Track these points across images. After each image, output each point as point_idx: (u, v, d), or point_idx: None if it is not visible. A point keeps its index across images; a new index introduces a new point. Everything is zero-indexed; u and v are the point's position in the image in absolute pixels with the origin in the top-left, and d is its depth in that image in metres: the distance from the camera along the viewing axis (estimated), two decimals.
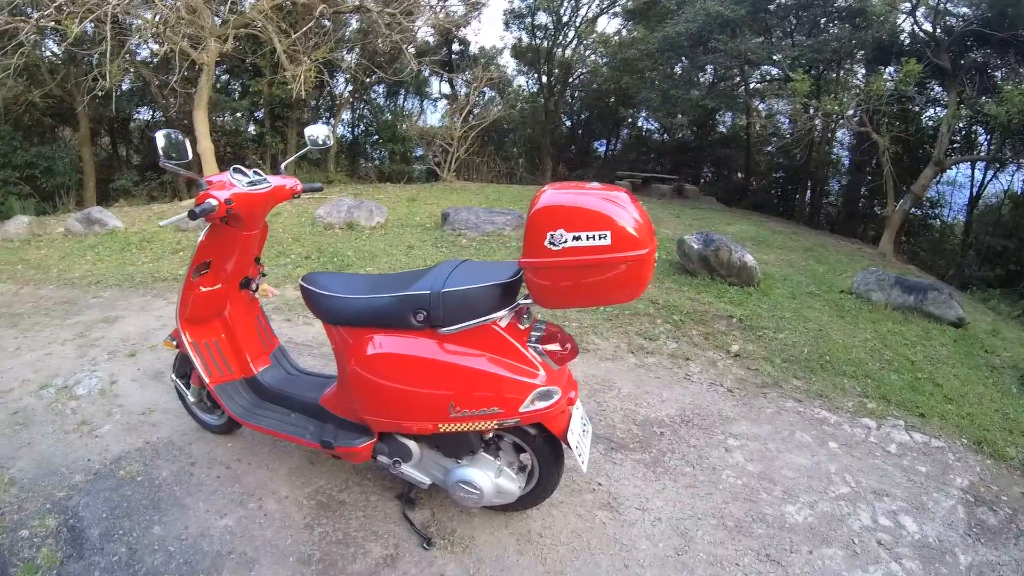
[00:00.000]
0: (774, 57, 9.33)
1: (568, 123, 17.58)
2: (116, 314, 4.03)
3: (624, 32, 14.96)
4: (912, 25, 8.84)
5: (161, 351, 3.42)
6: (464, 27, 11.41)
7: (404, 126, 13.35)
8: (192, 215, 1.88)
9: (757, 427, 3.01)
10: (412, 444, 1.97)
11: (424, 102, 15.38)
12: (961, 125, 9.45)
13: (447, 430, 1.80)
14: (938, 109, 9.91)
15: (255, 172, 2.18)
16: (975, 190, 11.35)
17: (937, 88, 9.03)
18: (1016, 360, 4.39)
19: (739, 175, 16.14)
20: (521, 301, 1.75)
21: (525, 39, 15.66)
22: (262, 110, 12.02)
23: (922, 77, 7.22)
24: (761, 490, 2.49)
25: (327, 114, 13.32)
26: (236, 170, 2.13)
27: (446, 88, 15.38)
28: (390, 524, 2.13)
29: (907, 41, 8.97)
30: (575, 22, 15.24)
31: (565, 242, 1.48)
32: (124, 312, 4.09)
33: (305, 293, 2.04)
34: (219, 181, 2.04)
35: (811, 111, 8.85)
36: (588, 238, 1.46)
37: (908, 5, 8.26)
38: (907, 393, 3.53)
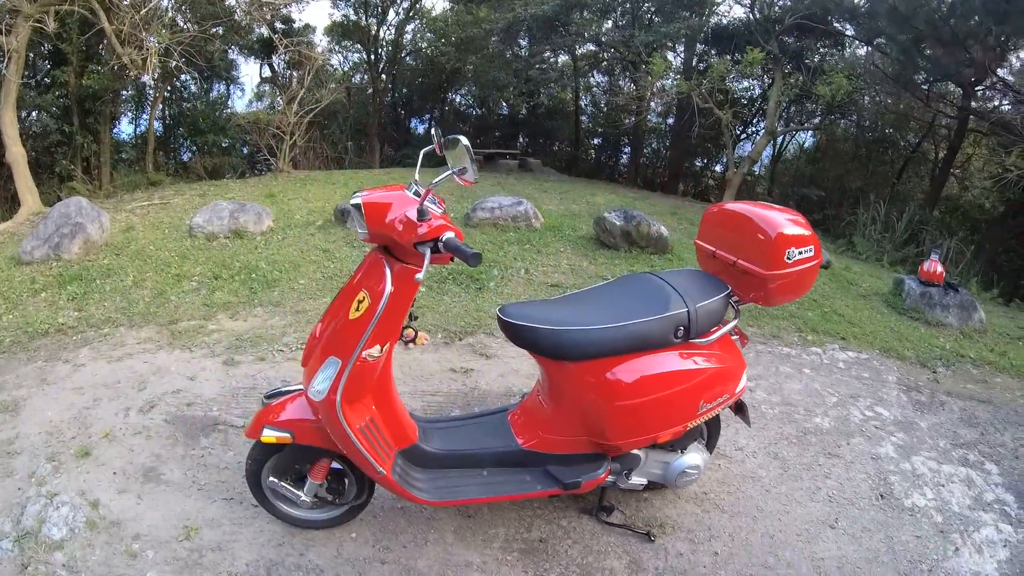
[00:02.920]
0: (631, 42, 10.85)
1: (389, 103, 17.93)
2: (11, 397, 3.15)
3: (453, 11, 15.64)
4: (747, 14, 11.09)
5: (127, 437, 2.78)
6: (291, 5, 11.15)
7: (219, 115, 12.63)
8: (477, 258, 1.64)
9: (753, 368, 4.03)
10: (640, 452, 2.21)
11: (231, 87, 14.56)
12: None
13: (691, 427, 2.14)
14: (752, 83, 12.51)
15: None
16: (777, 149, 14.33)
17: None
18: (874, 288, 6.14)
19: (561, 145, 18.21)
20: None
21: (352, 16, 15.70)
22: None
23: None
24: (792, 412, 3.49)
25: (131, 105, 12.07)
26: (416, 186, 1.91)
27: (267, 72, 14.83)
28: (602, 538, 2.31)
29: (738, 28, 11.24)
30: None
31: (796, 256, 2.12)
32: (20, 391, 3.20)
33: (526, 332, 1.97)
34: (423, 208, 1.75)
35: (655, 88, 10.54)
36: (806, 252, 2.14)
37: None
38: (825, 324, 4.88)
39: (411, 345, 2.13)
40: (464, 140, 1.77)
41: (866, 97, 10.93)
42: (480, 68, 13.74)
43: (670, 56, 13.07)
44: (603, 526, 2.34)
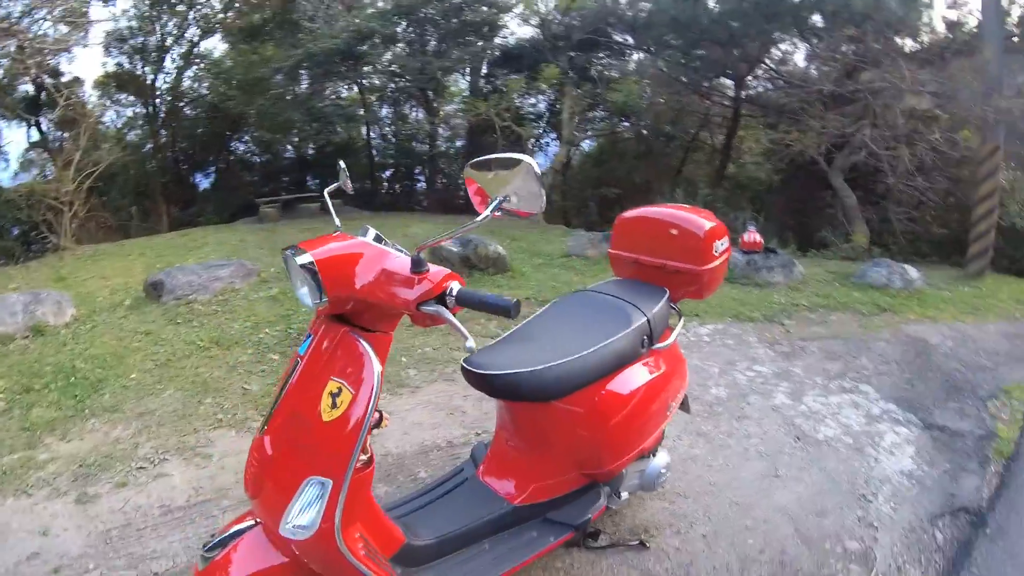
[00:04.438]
0: (426, 68, 11.19)
1: (171, 158, 16.65)
2: None
3: (236, 51, 14.89)
4: (535, 34, 12.11)
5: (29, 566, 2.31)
6: (59, 55, 9.85)
7: None
8: (518, 308, 1.35)
9: None
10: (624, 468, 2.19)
11: None
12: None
13: (663, 429, 2.22)
14: (537, 98, 13.61)
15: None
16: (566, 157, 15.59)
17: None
18: None
19: (355, 183, 18.03)
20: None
21: (127, 65, 14.25)
22: None
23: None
24: (689, 390, 3.68)
25: None
26: (371, 229, 1.64)
27: (35, 135, 12.91)
28: (603, 563, 2.27)
29: (525, 48, 12.18)
30: (182, 43, 14.62)
31: (720, 248, 2.29)
32: None
33: (508, 380, 1.85)
34: (419, 257, 1.43)
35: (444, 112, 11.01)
36: (725, 242, 2.32)
37: (537, 19, 11.48)
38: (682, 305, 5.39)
39: (373, 431, 1.67)
40: (527, 159, 1.41)
41: (645, 100, 12.37)
42: (269, 110, 13.27)
43: (459, 80, 13.76)
44: (597, 552, 2.32)
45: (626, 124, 13.74)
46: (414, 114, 16.35)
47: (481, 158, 1.51)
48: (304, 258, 1.39)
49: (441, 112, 12.48)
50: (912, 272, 6.39)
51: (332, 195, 1.87)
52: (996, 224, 7.73)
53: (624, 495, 2.25)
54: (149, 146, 15.23)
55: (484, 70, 13.63)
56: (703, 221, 2.31)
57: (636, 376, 2.05)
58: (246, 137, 17.12)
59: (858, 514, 2.57)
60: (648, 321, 2.09)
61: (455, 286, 1.38)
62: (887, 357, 4.39)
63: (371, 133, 17.53)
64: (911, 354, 4.49)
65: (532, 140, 14.55)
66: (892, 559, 2.31)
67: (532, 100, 13.88)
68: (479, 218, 1.43)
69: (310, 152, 17.15)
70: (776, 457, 3.00)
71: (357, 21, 11.05)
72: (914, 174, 8.28)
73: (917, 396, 3.77)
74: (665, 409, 2.19)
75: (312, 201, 13.36)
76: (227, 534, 1.62)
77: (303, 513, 1.43)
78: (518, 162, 1.41)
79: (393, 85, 13.57)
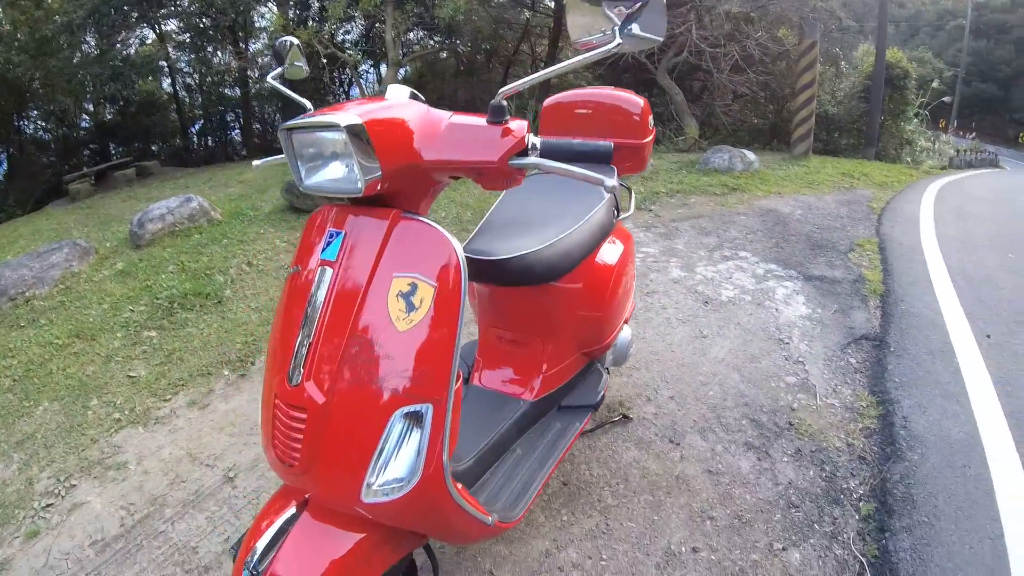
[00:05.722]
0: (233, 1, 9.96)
1: None
2: None
3: (17, 8, 12.22)
4: None
5: None
6: None
7: None
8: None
9: None
10: None
11: None
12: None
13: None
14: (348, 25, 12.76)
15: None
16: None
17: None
18: None
19: (164, 143, 16.63)
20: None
21: None
22: None
23: None
24: None
25: None
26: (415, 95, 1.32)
27: None
28: (599, 444, 2.33)
29: None
30: None
31: (652, 123, 2.28)
32: None
33: (516, 264, 1.65)
34: (500, 103, 1.16)
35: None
36: (652, 119, 2.29)
37: None
38: None
39: None
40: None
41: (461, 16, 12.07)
42: (61, 71, 11.21)
43: (266, 14, 12.62)
44: (589, 436, 2.37)
45: (446, 43, 13.38)
46: (219, 58, 14.86)
47: None
48: (349, 118, 1.02)
49: (249, 52, 11.36)
50: (751, 155, 6.99)
51: (279, 80, 1.56)
52: (815, 111, 8.62)
53: (609, 370, 2.29)
54: None
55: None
56: (635, 98, 2.29)
57: (614, 247, 2.08)
58: (35, 112, 14.73)
59: (783, 354, 2.85)
60: (614, 189, 2.07)
61: (535, 138, 1.16)
62: (752, 227, 4.82)
63: (176, 85, 15.93)
64: (771, 223, 4.96)
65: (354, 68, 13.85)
66: (825, 384, 2.61)
67: (346, 27, 13.06)
68: (603, 48, 1.12)
69: (109, 116, 15.30)
70: (695, 321, 3.22)
71: None
72: (735, 70, 8.91)
73: (789, 256, 4.20)
74: (634, 278, 2.26)
75: (126, 167, 11.76)
76: (269, 536, 1.20)
77: (395, 462, 1.11)
78: None
79: (196, 22, 12.05)
